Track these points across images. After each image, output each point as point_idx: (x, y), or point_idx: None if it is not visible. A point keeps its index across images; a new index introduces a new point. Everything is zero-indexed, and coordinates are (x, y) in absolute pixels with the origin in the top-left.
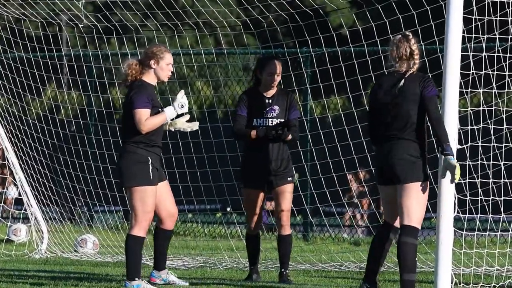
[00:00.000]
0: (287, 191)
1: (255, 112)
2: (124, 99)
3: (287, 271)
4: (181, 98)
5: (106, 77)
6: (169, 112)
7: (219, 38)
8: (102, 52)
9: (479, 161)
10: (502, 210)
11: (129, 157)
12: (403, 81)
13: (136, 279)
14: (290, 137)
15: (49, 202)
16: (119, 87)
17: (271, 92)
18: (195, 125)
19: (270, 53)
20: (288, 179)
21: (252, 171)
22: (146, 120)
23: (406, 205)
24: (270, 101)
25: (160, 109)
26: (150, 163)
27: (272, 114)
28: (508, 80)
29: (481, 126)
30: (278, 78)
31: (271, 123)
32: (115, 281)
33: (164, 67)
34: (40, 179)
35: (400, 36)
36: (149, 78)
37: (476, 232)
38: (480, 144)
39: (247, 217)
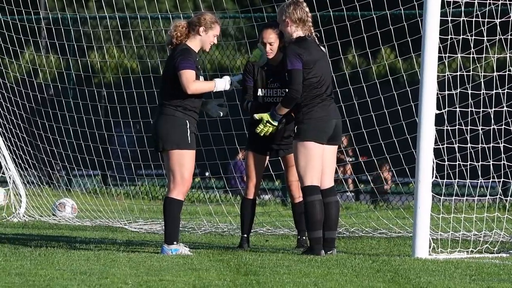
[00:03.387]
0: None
1: (260, 81)
2: (166, 62)
3: (304, 237)
4: (236, 81)
5: (84, 41)
6: (219, 84)
7: (198, 2)
8: (80, 15)
9: (457, 126)
10: (479, 175)
11: (167, 120)
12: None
13: (175, 243)
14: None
15: (27, 166)
16: (168, 49)
17: (276, 59)
18: (224, 111)
19: (250, 17)
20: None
21: (256, 135)
22: (194, 81)
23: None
24: (274, 70)
25: (201, 76)
26: (188, 126)
27: (277, 84)
28: (486, 45)
29: (459, 91)
30: (271, 47)
31: (275, 93)
32: (93, 245)
33: (211, 38)
34: (18, 142)
35: (291, 2)
36: (194, 44)
37: (454, 197)
38: (458, 109)
39: (246, 181)
